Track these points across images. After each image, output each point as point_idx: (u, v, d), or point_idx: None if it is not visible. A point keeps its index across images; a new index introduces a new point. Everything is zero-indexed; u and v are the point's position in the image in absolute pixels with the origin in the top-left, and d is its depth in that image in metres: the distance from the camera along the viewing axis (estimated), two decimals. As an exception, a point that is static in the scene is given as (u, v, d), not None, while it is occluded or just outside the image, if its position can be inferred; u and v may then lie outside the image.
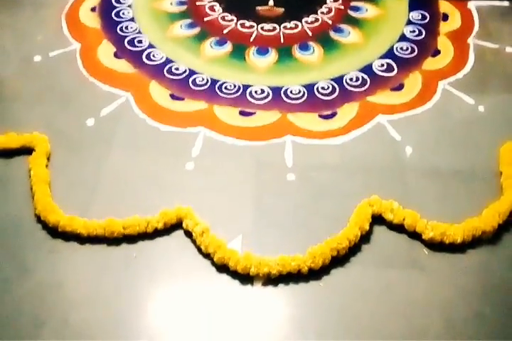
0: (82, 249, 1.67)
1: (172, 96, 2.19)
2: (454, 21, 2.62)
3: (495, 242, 1.71)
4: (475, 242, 1.70)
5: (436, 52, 2.44)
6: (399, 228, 1.73)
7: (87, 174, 1.90)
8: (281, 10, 2.67)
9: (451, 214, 1.76)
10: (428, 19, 2.63)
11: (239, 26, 2.56)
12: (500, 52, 2.44)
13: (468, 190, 1.87)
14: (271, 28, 2.55)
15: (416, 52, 2.43)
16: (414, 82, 2.29)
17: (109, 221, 1.66)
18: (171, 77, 2.28)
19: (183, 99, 2.18)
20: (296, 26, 2.57)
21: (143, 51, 2.40)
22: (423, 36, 2.52)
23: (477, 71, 2.34)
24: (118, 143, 2.01)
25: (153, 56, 2.38)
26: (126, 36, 2.48)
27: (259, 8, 2.68)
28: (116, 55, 2.38)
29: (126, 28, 2.52)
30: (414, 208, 1.76)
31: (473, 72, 2.33)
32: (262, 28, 2.55)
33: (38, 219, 1.73)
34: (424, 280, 1.64)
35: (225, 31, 2.53)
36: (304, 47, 2.46)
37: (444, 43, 2.49)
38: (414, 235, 1.71)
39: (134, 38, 2.47)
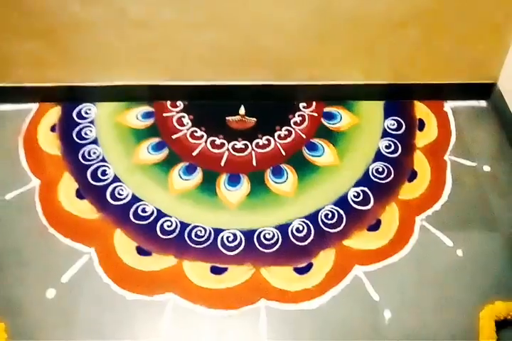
0: None
1: (139, 250, 2.06)
2: (431, 130, 2.57)
3: None
4: None
5: (413, 175, 2.37)
6: None
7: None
8: (252, 120, 2.56)
9: None
10: (404, 129, 2.56)
11: (209, 145, 2.44)
12: (478, 172, 2.38)
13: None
14: (243, 147, 2.44)
15: (392, 176, 2.36)
16: (391, 217, 2.21)
17: None
18: (138, 222, 2.14)
19: (150, 253, 2.05)
20: (269, 143, 2.47)
21: (107, 187, 2.24)
22: (399, 153, 2.45)
23: (455, 200, 2.26)
24: (81, 323, 1.85)
25: (119, 193, 2.23)
26: (89, 166, 2.32)
27: (229, 118, 2.56)
28: (78, 194, 2.22)
29: (89, 154, 2.37)
30: None
31: (451, 201, 2.26)
32: (233, 148, 2.43)
33: None
34: None
35: (194, 153, 2.40)
36: (277, 171, 2.35)
37: (420, 162, 2.42)
38: None
39: (97, 168, 2.32)
